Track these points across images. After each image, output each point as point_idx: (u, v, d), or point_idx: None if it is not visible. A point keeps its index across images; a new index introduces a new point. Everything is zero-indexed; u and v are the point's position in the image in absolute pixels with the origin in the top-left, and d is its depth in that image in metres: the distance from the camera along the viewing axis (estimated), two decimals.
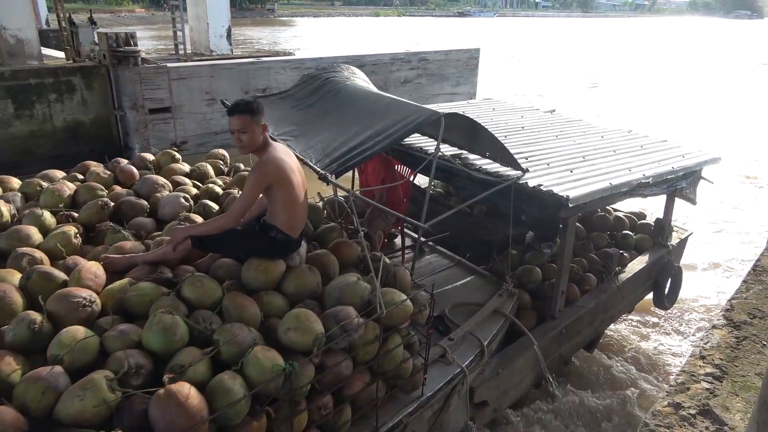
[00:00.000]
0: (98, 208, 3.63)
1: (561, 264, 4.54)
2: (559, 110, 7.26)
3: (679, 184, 5.24)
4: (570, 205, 3.81)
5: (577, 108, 20.20)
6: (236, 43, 19.74)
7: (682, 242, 6.16)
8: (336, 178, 3.18)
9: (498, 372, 4.08)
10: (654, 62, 36.05)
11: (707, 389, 3.00)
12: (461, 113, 3.82)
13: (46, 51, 12.96)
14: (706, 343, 3.45)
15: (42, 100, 10.53)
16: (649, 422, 2.77)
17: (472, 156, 4.56)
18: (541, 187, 3.96)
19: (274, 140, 3.18)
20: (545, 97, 22.77)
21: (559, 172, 4.43)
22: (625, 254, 5.55)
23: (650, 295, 5.90)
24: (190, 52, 16.07)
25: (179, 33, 15.51)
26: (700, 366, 3.21)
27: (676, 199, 5.53)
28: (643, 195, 4.91)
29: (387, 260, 3.52)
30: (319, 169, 3.18)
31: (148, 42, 28.06)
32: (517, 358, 4.26)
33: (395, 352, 3.05)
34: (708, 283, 7.65)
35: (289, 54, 17.44)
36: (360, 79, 4.78)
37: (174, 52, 15.85)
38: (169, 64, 11.78)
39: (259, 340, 2.57)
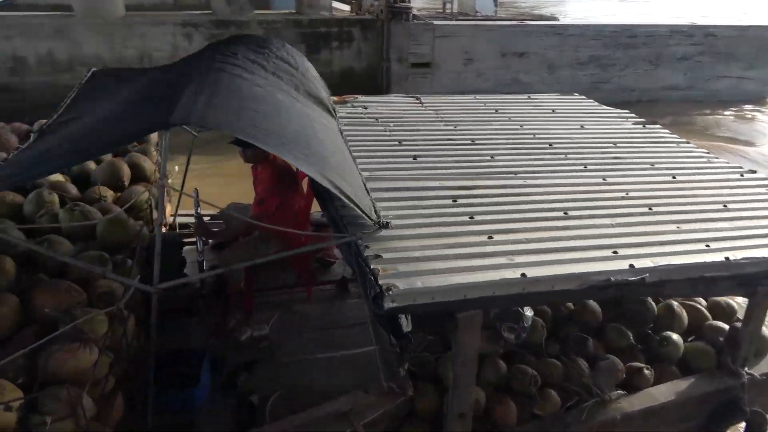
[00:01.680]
0: None
1: (455, 375, 2.91)
2: None
3: (763, 284, 3.02)
4: (387, 305, 2.25)
5: None
6: (502, 5, 18.95)
7: None
8: None
9: None
10: None
11: None
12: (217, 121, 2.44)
13: (335, 4, 14.30)
14: None
15: (327, 47, 11.89)
16: None
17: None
18: (368, 259, 2.43)
19: None
20: None
21: (472, 236, 2.74)
22: (648, 370, 3.46)
23: None
24: (456, 11, 16.22)
25: None
26: None
27: None
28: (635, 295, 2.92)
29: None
30: None
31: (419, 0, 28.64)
32: None
33: None
34: None
35: (553, 19, 16.21)
36: (275, 66, 3.49)
37: (441, 11, 16.26)
38: (435, 22, 12.42)
39: None
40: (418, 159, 3.59)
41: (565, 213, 3.07)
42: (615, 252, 2.72)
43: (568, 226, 2.94)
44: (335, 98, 4.52)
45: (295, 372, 3.34)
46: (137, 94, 2.82)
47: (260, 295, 3.89)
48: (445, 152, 3.76)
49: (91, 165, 3.78)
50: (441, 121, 4.37)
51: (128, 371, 2.81)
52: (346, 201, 2.50)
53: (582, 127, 4.54)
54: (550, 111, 4.90)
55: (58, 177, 3.54)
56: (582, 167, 3.74)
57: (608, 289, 2.63)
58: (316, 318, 3.82)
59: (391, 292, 2.25)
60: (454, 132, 4.16)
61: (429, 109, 4.66)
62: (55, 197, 3.25)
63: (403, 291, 2.27)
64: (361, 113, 4.39)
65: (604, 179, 3.58)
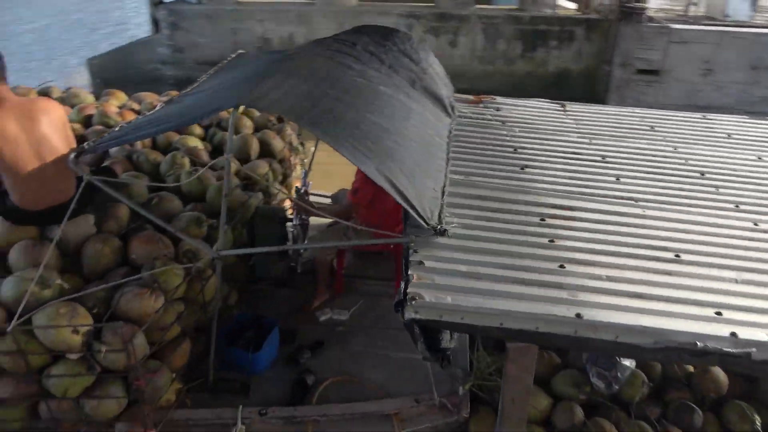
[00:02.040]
0: None
1: (502, 411, 2.63)
2: None
3: None
4: (409, 315, 2.12)
5: None
6: (762, 9, 14.67)
7: None
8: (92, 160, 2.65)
9: None
10: None
11: None
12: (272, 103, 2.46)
13: (560, 1, 13.65)
14: None
15: (544, 46, 11.71)
16: None
17: None
18: (410, 264, 2.31)
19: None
20: None
21: (542, 261, 2.44)
22: None
23: None
24: (701, 14, 14.12)
25: None
26: None
27: None
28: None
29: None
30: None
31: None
32: None
33: None
34: None
35: None
36: (393, 59, 3.48)
37: (683, 13, 14.18)
38: (672, 25, 11.43)
39: None
40: (526, 169, 3.29)
41: (676, 255, 2.55)
42: (718, 313, 2.19)
43: (672, 272, 2.44)
44: (472, 97, 4.37)
45: (358, 363, 3.34)
46: (241, 75, 3.06)
47: (352, 280, 3.96)
48: (562, 166, 3.39)
49: None
50: (576, 132, 3.95)
51: (203, 326, 3.09)
52: (400, 199, 2.40)
53: (759, 158, 3.73)
54: (725, 135, 4.11)
55: (196, 143, 4.01)
56: (733, 206, 3.08)
57: (701, 357, 2.13)
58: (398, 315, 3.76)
59: (414, 302, 2.12)
60: (585, 145, 3.73)
61: (569, 118, 4.24)
62: (186, 160, 3.68)
63: (427, 303, 2.13)
64: (490, 115, 4.16)
65: (755, 224, 2.90)
